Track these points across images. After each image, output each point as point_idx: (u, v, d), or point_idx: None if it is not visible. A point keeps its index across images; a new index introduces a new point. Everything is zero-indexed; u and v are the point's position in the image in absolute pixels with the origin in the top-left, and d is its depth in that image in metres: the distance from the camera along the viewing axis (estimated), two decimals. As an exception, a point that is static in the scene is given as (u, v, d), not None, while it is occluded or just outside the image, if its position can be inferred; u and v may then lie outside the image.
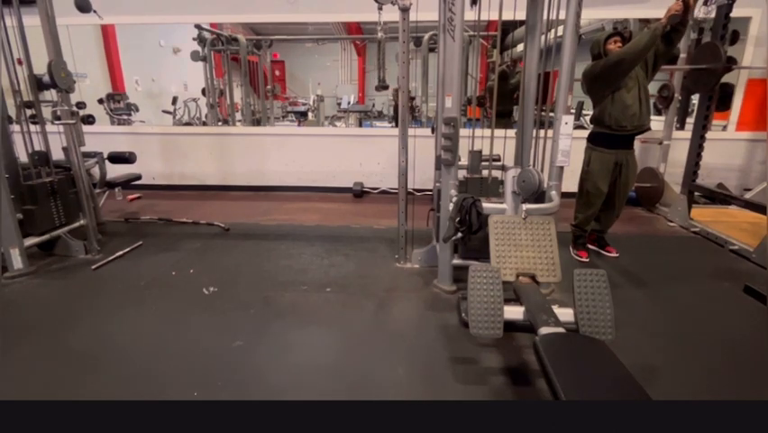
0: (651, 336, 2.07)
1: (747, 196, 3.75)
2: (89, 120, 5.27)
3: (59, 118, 2.75)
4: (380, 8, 2.33)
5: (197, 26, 5.77)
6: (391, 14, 2.69)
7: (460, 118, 2.18)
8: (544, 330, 1.47)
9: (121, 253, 3.08)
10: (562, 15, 2.17)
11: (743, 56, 3.94)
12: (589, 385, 1.16)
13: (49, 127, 2.91)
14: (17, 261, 2.73)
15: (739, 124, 4.26)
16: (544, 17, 2.36)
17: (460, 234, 2.13)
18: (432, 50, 4.99)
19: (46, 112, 2.84)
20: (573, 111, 2.48)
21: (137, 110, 6.14)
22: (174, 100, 6.91)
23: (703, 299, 2.46)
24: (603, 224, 3.05)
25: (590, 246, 3.12)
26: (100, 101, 5.57)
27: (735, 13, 3.26)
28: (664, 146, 4.09)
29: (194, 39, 6.21)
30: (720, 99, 3.57)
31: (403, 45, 2.39)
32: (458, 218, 2.10)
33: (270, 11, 4.35)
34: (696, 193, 3.71)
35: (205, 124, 7.07)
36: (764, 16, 3.81)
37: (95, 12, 3.18)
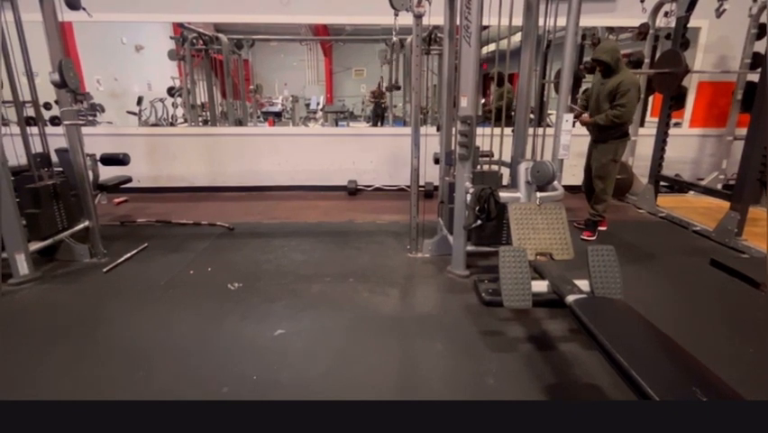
0: (653, 298, 2.42)
1: (702, 184, 4.29)
2: (56, 121, 5.03)
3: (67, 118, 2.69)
4: (397, 14, 2.50)
5: (180, 25, 5.65)
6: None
7: (476, 117, 2.40)
8: (571, 297, 1.71)
9: (128, 255, 3.04)
10: (552, 23, 2.46)
11: (694, 61, 4.48)
12: (622, 331, 1.41)
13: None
14: (23, 266, 2.64)
15: (692, 121, 4.82)
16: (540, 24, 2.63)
17: (479, 222, 2.35)
18: (428, 52, 5.23)
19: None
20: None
21: (103, 111, 5.90)
22: (139, 100, 6.64)
23: (680, 269, 2.90)
24: (591, 204, 3.49)
25: (577, 225, 3.48)
26: (62, 101, 5.29)
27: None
28: (632, 142, 4.55)
29: (171, 37, 6.07)
30: (676, 99, 4.06)
31: (416, 49, 2.58)
32: (477, 207, 2.32)
33: (261, 11, 4.39)
34: (660, 183, 4.17)
35: (172, 125, 6.85)
36: (712, 27, 4.35)
37: (84, 9, 3.11)
